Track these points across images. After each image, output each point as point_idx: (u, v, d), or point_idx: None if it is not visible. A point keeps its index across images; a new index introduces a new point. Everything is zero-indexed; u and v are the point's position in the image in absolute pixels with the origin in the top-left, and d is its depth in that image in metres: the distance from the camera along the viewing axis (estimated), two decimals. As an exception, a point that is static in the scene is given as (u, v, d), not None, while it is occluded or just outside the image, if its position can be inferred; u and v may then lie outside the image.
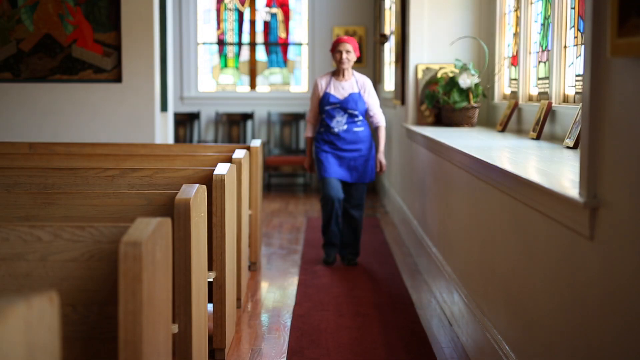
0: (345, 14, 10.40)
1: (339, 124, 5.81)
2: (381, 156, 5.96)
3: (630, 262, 2.07)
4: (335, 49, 5.84)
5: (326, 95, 5.84)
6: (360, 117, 5.84)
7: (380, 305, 4.79)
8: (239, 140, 10.52)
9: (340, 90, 5.85)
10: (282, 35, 10.73)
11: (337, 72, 5.93)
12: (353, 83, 5.88)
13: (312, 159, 6.02)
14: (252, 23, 10.67)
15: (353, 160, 5.86)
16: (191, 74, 10.57)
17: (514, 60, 5.71)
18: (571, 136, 3.93)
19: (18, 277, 2.26)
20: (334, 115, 5.82)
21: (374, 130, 6.04)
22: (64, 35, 6.81)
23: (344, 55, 5.81)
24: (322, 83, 5.91)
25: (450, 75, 6.23)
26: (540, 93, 5.04)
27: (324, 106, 5.83)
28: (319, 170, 5.92)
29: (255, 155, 5.73)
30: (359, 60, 10.15)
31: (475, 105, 5.97)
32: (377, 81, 10.02)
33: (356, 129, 5.84)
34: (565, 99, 4.62)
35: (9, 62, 6.84)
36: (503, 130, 5.38)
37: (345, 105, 5.79)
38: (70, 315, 2.23)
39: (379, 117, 5.95)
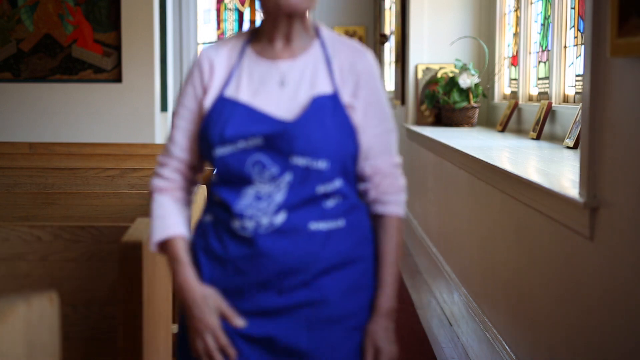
0: (345, 14, 10.40)
1: (263, 206, 1.68)
2: (381, 318, 1.95)
3: (630, 262, 2.07)
4: None
5: (222, 103, 1.74)
6: (337, 184, 1.72)
7: (380, 305, 4.78)
8: (239, 140, 10.50)
9: (273, 87, 1.74)
10: (282, 35, 10.74)
11: (264, 30, 1.78)
12: (317, 60, 1.76)
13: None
14: (252, 23, 10.67)
15: (308, 305, 1.77)
16: (191, 74, 10.56)
17: (514, 60, 5.71)
18: (571, 136, 3.93)
19: (18, 277, 2.26)
20: (249, 176, 1.70)
21: (371, 219, 1.85)
22: (64, 35, 6.81)
23: None
24: (216, 63, 1.77)
25: (450, 75, 6.23)
26: (540, 93, 5.03)
27: (215, 145, 1.72)
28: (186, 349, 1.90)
29: (255, 155, 5.71)
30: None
31: (475, 105, 5.96)
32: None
33: (318, 226, 1.71)
34: (565, 99, 4.62)
35: (9, 62, 6.83)
36: (503, 130, 5.37)
37: (291, 142, 1.66)
38: (70, 315, 2.22)
39: (392, 180, 1.82)
